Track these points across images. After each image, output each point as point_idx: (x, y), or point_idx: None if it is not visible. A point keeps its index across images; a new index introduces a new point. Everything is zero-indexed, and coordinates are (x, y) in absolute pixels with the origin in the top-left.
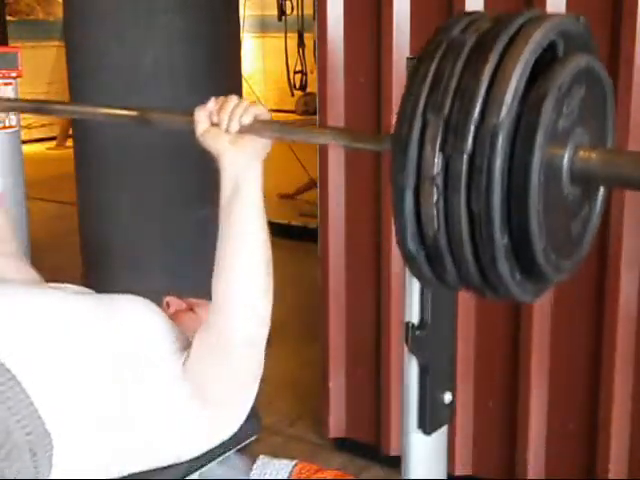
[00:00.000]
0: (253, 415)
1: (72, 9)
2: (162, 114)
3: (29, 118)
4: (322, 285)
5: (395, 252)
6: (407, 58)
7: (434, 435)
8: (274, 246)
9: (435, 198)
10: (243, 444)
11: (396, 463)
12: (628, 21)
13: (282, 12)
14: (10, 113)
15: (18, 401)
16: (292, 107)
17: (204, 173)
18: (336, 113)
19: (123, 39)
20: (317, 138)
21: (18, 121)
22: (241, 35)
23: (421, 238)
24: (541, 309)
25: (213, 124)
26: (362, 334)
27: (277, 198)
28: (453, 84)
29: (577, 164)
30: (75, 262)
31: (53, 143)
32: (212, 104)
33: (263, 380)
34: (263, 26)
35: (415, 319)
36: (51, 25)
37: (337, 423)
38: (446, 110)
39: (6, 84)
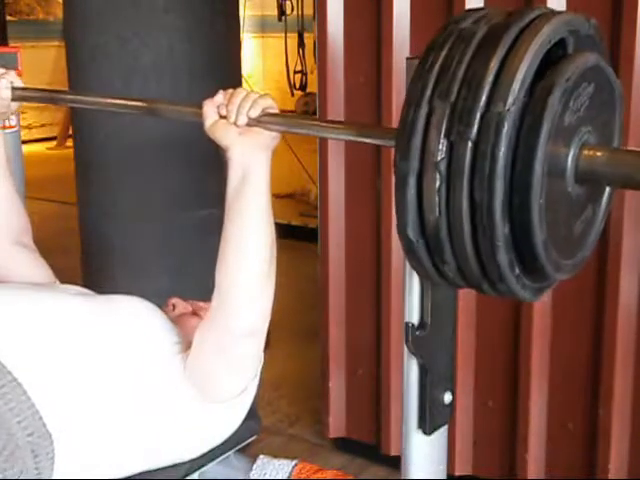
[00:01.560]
0: (253, 415)
1: (72, 9)
2: (170, 105)
3: (29, 118)
4: (322, 285)
5: (395, 252)
6: (407, 58)
7: (434, 435)
8: None
9: (438, 184)
10: (243, 444)
11: (396, 463)
12: (628, 21)
13: (282, 12)
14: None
15: (19, 402)
16: (292, 107)
17: (205, 174)
18: (336, 113)
19: (123, 39)
20: (324, 132)
21: (18, 121)
22: (241, 35)
23: (421, 226)
24: (541, 309)
25: (221, 116)
26: (362, 334)
27: (275, 198)
28: (461, 72)
29: (582, 163)
30: (75, 262)
31: (53, 143)
32: (220, 97)
33: (263, 380)
34: (263, 26)
35: (415, 319)
36: (51, 25)
37: (337, 423)
38: (453, 97)
39: None
